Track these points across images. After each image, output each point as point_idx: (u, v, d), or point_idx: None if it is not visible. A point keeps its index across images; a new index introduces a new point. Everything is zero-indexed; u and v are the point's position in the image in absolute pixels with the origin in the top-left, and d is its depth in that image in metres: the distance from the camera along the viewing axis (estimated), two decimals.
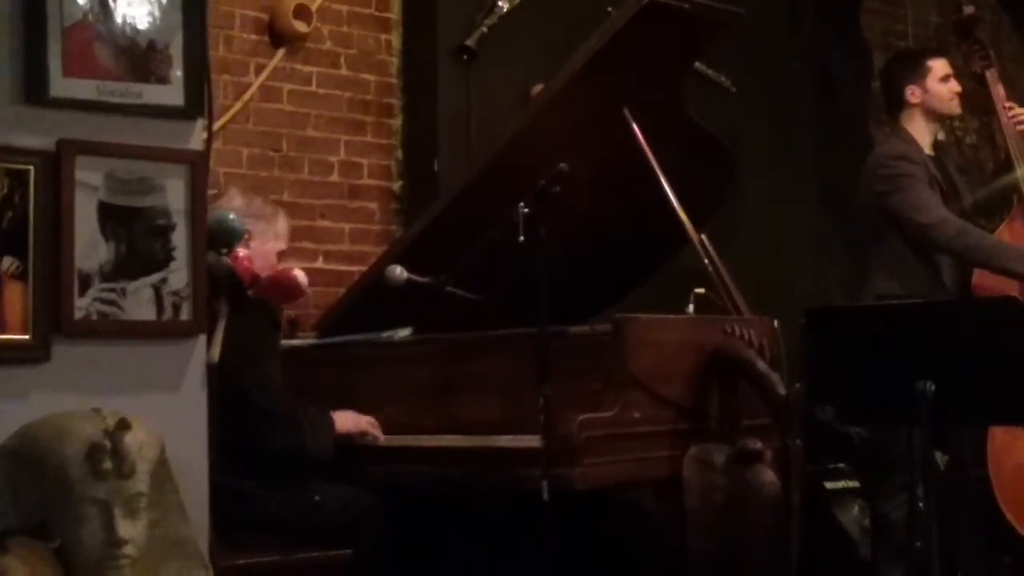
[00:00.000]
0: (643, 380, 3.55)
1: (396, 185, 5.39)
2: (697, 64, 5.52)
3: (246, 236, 3.70)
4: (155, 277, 2.70)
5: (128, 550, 2.35)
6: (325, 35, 5.21)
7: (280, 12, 5.05)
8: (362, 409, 3.89)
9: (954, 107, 4.74)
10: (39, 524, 2.36)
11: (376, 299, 4.20)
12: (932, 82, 4.69)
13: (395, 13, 5.38)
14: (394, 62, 5.39)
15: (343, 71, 5.26)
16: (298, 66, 5.16)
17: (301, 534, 3.47)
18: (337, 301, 4.64)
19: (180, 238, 2.73)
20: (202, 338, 2.77)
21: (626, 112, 4.15)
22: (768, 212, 5.96)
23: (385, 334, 4.17)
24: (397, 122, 5.40)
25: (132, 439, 2.37)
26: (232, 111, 4.97)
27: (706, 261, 4.03)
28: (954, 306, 3.98)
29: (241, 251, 2.76)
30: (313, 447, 3.56)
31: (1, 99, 2.56)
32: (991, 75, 4.72)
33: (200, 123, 2.79)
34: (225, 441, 3.34)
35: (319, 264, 5.18)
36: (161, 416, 2.64)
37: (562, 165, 3.36)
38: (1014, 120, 4.64)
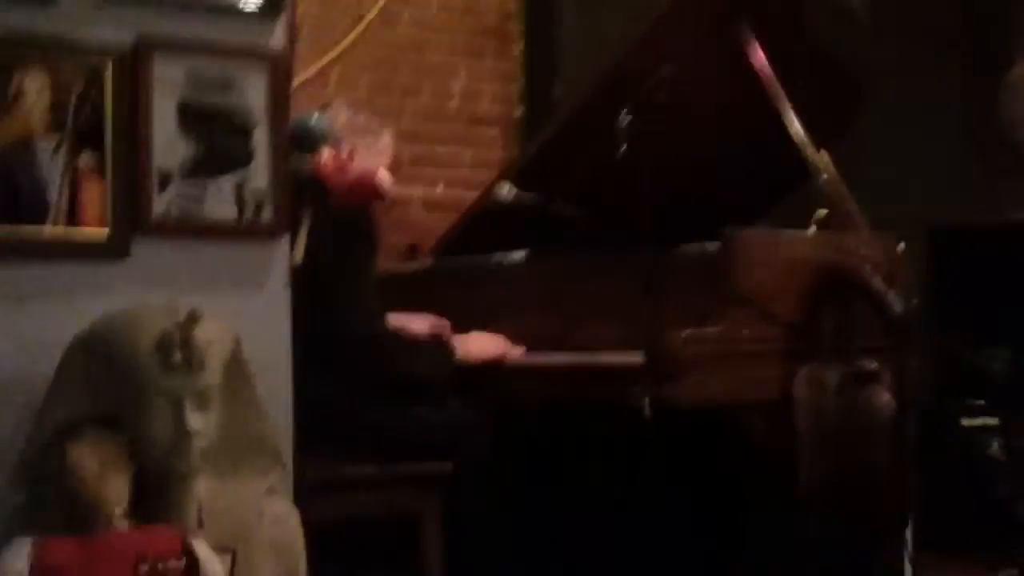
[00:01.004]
0: (752, 296, 3.42)
1: (517, 111, 5.31)
2: None
3: (349, 147, 3.70)
4: (236, 176, 2.67)
5: (197, 441, 2.33)
6: None
7: None
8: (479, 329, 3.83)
9: None
10: (113, 415, 2.34)
11: (492, 221, 4.14)
12: None
13: None
14: None
15: None
16: None
17: (404, 446, 3.41)
18: (453, 224, 4.58)
19: (261, 138, 2.69)
20: (285, 239, 2.73)
21: (744, 27, 4.00)
22: (908, 147, 5.75)
23: (498, 255, 4.11)
24: (518, 48, 5.31)
25: (202, 332, 2.34)
26: (351, 36, 4.93)
27: (824, 176, 3.86)
28: None
29: (325, 153, 2.70)
30: (412, 372, 3.49)
31: None
32: None
33: (282, 21, 2.73)
34: (321, 352, 3.35)
35: (440, 191, 5.14)
36: (243, 316, 2.62)
37: (665, 68, 3.24)
38: None
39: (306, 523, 2.61)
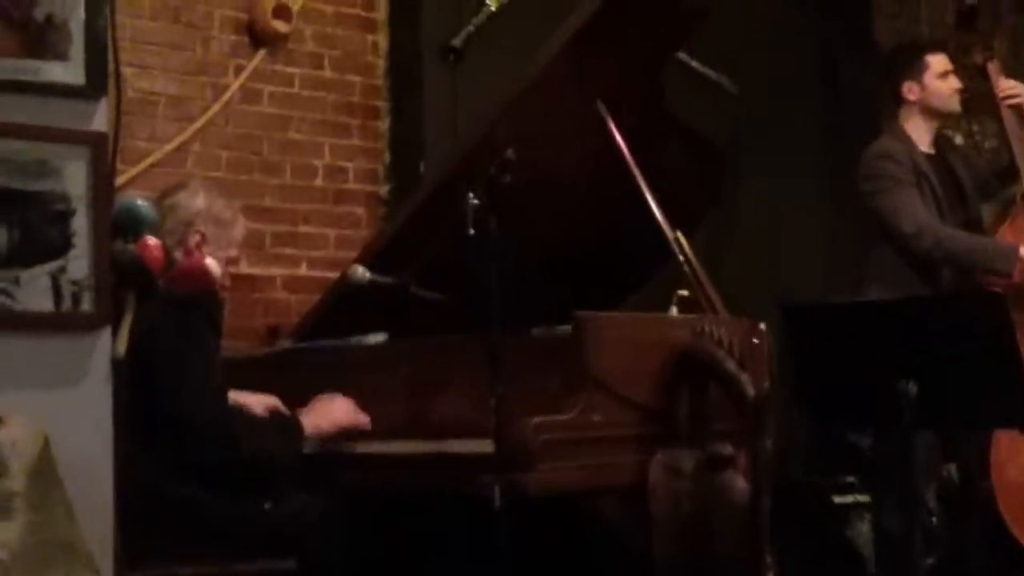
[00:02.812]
0: (605, 381, 3.37)
1: (383, 189, 5.25)
2: (696, 64, 5.38)
3: (197, 238, 3.59)
4: (52, 265, 2.54)
5: None
6: (307, 36, 5.10)
7: (259, 12, 4.92)
8: None
9: (954, 104, 4.55)
10: None
11: (351, 303, 4.06)
12: (930, 78, 4.51)
13: (381, 13, 5.24)
14: (380, 63, 5.26)
15: (327, 72, 5.14)
16: (280, 67, 5.03)
17: (246, 542, 3.29)
18: (313, 306, 4.49)
19: (81, 224, 2.57)
20: (106, 331, 2.61)
21: (601, 107, 3.97)
22: (775, 215, 5.78)
23: (355, 339, 4.02)
24: (384, 124, 5.26)
25: (3, 435, 2.22)
26: (209, 112, 4.85)
27: (681, 259, 3.84)
28: (934, 302, 3.79)
29: (151, 240, 2.59)
30: (258, 457, 3.37)
31: None
32: (993, 67, 4.52)
33: (104, 103, 2.62)
34: (162, 444, 3.23)
35: (303, 271, 5.07)
36: (59, 413, 2.50)
37: (509, 152, 3.19)
38: (1005, 96, 4.44)
39: None
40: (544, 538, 3.46)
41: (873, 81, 5.73)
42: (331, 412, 3.62)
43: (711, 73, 5.50)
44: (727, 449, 3.42)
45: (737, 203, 5.59)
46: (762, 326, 3.73)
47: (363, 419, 3.64)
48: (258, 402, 3.70)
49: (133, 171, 4.60)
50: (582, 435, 3.30)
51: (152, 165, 4.67)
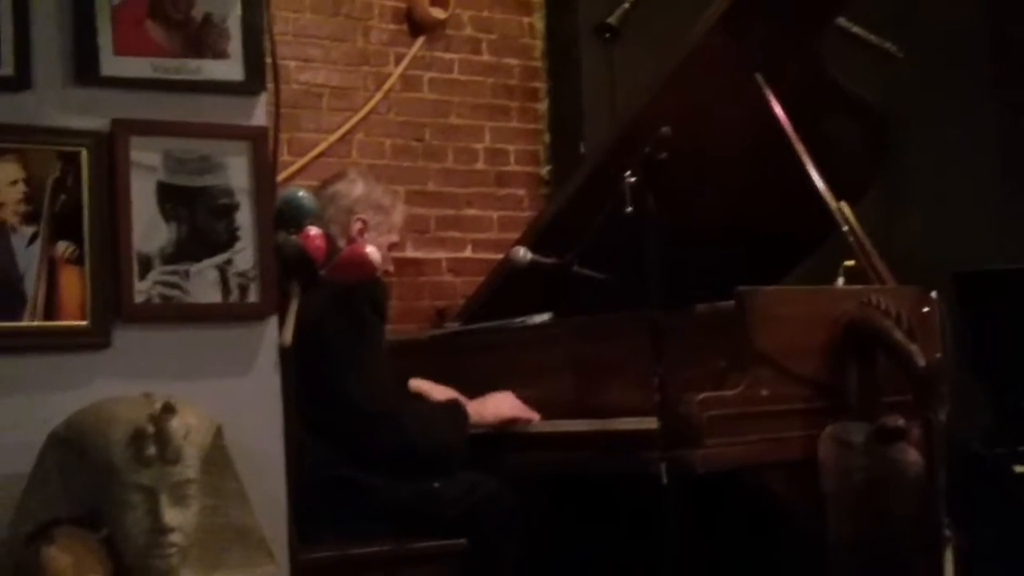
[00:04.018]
0: (771, 356, 3.33)
1: (544, 170, 5.27)
2: (858, 30, 5.26)
3: (358, 225, 3.66)
4: (220, 258, 2.61)
5: (175, 537, 2.26)
6: (465, 21, 5.13)
7: (417, 0, 4.97)
8: None
9: None
10: (89, 513, 2.29)
11: (515, 284, 4.08)
12: None
13: None
14: (538, 45, 5.28)
15: (485, 56, 5.17)
16: (438, 54, 5.08)
17: (420, 524, 3.34)
18: (478, 288, 4.53)
19: (245, 217, 2.63)
20: (273, 320, 2.67)
21: (759, 79, 3.92)
22: (944, 182, 5.63)
23: (520, 320, 4.05)
24: (543, 106, 5.29)
25: (178, 424, 2.27)
26: (372, 101, 4.91)
27: (845, 229, 3.77)
28: None
29: (313, 230, 2.64)
30: (427, 444, 3.42)
31: (51, 80, 2.50)
32: None
33: (263, 97, 2.68)
34: (332, 431, 3.29)
35: (467, 253, 5.11)
36: (229, 402, 2.56)
37: (664, 129, 3.17)
38: None
39: None
40: (712, 515, 3.45)
41: None
42: (498, 405, 3.66)
43: (873, 38, 5.37)
44: (899, 421, 3.35)
45: (905, 171, 5.46)
46: (933, 295, 3.65)
47: (529, 415, 3.66)
48: (435, 391, 3.75)
49: (300, 162, 4.69)
50: (748, 410, 3.27)
51: (318, 156, 4.75)
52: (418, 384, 3.86)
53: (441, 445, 3.48)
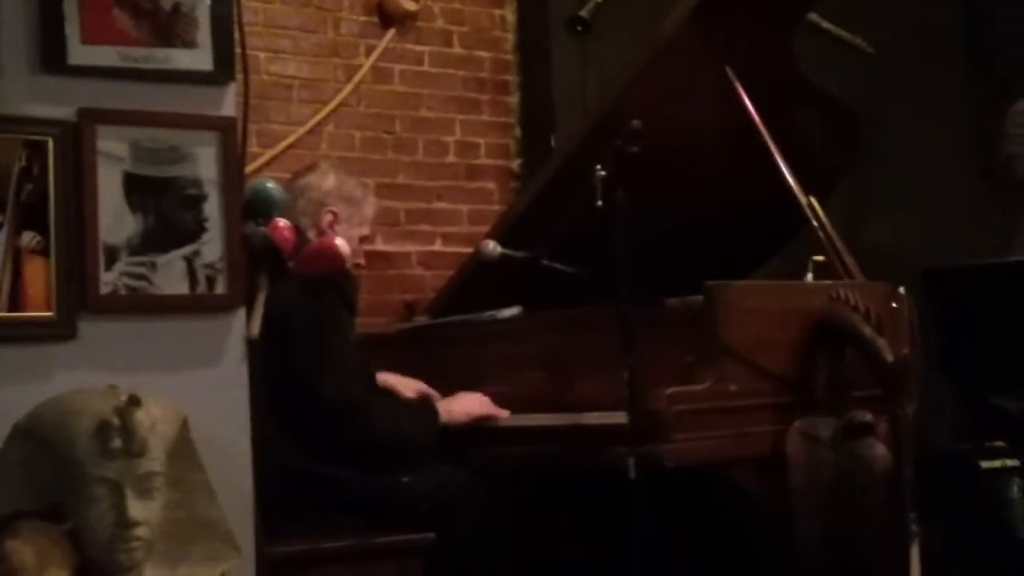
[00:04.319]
0: (739, 350, 3.33)
1: (515, 163, 5.26)
2: (828, 25, 5.27)
3: (329, 217, 3.64)
4: (187, 249, 2.59)
5: (140, 531, 2.25)
6: (436, 13, 5.11)
7: None
8: (470, 389, 3.75)
9: None
10: (53, 506, 2.27)
11: (484, 278, 4.08)
12: None
13: None
14: (509, 38, 5.27)
15: (456, 49, 5.16)
16: (409, 46, 5.06)
17: (391, 517, 3.33)
18: (447, 282, 4.52)
19: (213, 208, 2.61)
20: (241, 312, 2.65)
21: (730, 73, 3.93)
22: (914, 178, 5.66)
23: (489, 313, 4.04)
24: (514, 99, 5.27)
25: (143, 416, 2.26)
26: (343, 93, 4.90)
27: (814, 224, 3.78)
28: None
29: (281, 221, 2.63)
30: (394, 438, 3.41)
31: (17, 68, 2.48)
32: None
33: (232, 88, 2.66)
34: (299, 424, 3.28)
35: (437, 247, 5.09)
36: (196, 394, 2.54)
37: (635, 122, 3.16)
38: None
39: None
40: (680, 510, 3.45)
41: (1016, 37, 5.58)
42: (467, 403, 3.64)
43: (844, 34, 5.38)
44: (866, 416, 3.35)
45: (875, 167, 5.47)
46: (901, 290, 3.66)
47: (499, 413, 3.65)
48: (404, 384, 3.74)
49: (269, 154, 4.66)
50: (717, 405, 3.27)
51: (288, 147, 4.73)
52: (386, 377, 3.84)
53: (408, 440, 3.47)
